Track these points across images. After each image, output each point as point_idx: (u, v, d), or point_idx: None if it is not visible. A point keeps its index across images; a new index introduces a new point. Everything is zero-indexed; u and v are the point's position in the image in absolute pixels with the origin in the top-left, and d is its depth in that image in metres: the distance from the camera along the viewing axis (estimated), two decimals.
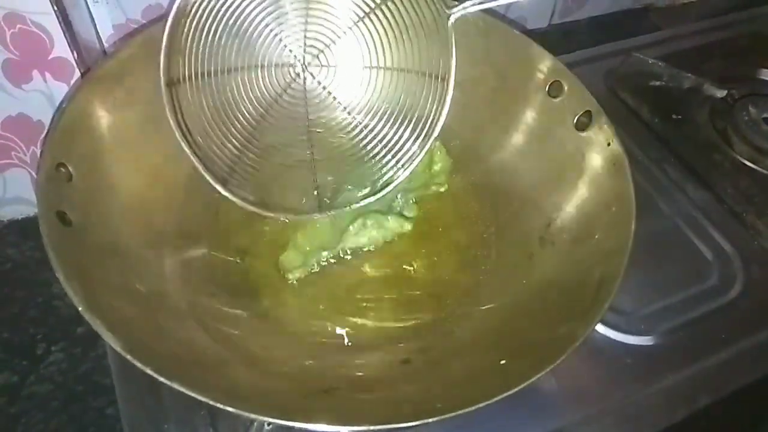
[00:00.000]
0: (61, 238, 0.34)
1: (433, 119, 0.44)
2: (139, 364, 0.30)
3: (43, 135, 0.50)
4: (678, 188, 0.56)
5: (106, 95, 0.41)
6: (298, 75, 0.47)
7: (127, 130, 0.43)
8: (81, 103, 0.40)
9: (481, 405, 0.32)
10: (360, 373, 0.40)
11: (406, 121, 0.45)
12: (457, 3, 0.43)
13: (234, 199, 0.42)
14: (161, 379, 0.30)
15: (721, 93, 0.61)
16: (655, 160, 0.58)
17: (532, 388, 0.33)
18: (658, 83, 0.63)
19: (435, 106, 0.44)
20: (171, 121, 0.40)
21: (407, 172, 0.44)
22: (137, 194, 0.43)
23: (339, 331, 0.42)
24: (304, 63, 0.47)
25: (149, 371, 0.30)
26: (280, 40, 0.45)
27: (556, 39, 0.73)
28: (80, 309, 0.31)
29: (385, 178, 0.45)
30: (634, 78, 0.63)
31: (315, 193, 0.45)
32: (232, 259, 0.44)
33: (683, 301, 0.48)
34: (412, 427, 0.32)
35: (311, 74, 0.47)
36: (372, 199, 0.44)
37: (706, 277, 0.50)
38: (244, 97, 0.44)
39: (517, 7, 0.69)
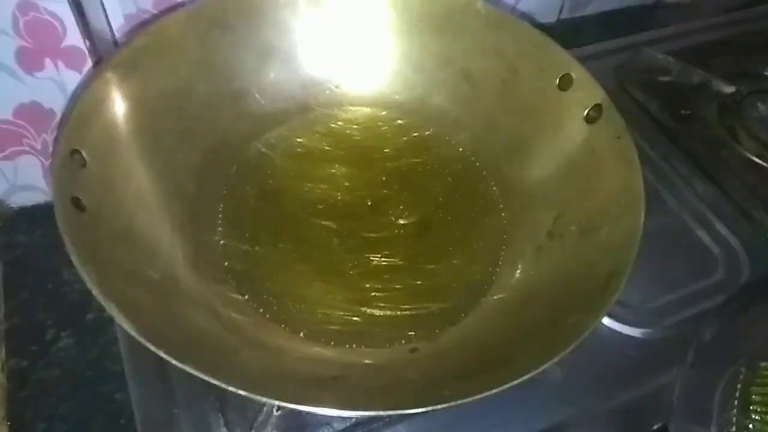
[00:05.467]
0: (76, 224, 0.35)
1: None
2: (152, 347, 0.30)
3: (54, 123, 0.50)
4: (686, 183, 0.56)
5: (120, 83, 0.42)
6: None
7: (141, 117, 0.43)
8: (96, 91, 0.40)
9: (488, 393, 0.32)
10: (368, 361, 0.40)
11: None
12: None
13: None
14: (173, 361, 0.30)
15: (729, 89, 0.61)
16: (663, 155, 0.58)
17: (538, 379, 0.33)
18: (667, 79, 0.63)
19: None
20: None
21: None
22: (150, 181, 0.43)
23: (348, 319, 0.42)
24: None
25: (162, 354, 0.30)
26: None
27: (564, 34, 0.72)
28: (95, 293, 0.32)
29: None
30: (643, 73, 0.63)
31: None
32: (244, 246, 0.45)
33: (689, 295, 0.48)
34: (419, 414, 0.32)
35: None
36: None
37: (712, 272, 0.50)
38: None
39: (527, 3, 0.69)
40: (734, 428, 0.38)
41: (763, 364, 0.40)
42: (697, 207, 0.54)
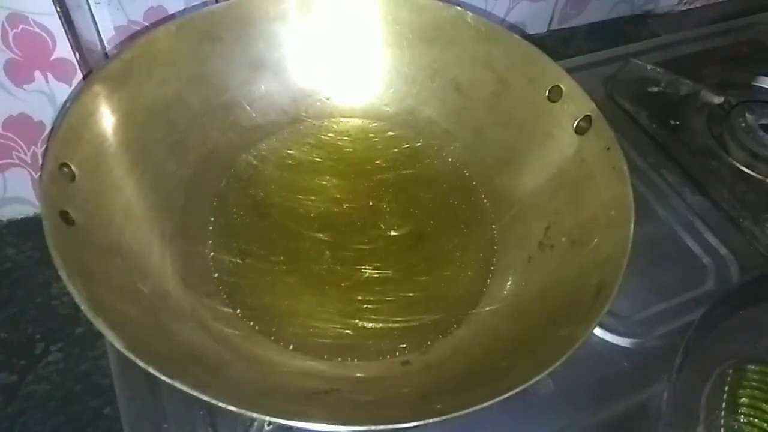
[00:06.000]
0: (64, 238, 0.34)
1: None
2: (141, 363, 0.30)
3: (43, 135, 0.50)
4: (675, 193, 0.56)
5: (110, 96, 0.41)
6: None
7: (130, 129, 0.43)
8: (85, 103, 0.40)
9: (480, 407, 0.32)
10: (360, 374, 0.40)
11: None
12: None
13: None
14: (163, 377, 0.30)
15: (718, 99, 0.61)
16: (652, 165, 0.58)
17: (530, 391, 0.33)
18: (656, 89, 0.63)
19: None
20: None
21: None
22: (140, 194, 0.42)
23: (339, 332, 0.42)
24: None
25: (151, 370, 0.30)
26: None
27: (554, 45, 0.73)
28: (83, 308, 0.31)
29: None
30: (632, 84, 0.64)
31: None
32: (233, 259, 0.45)
33: (680, 306, 0.48)
34: (411, 427, 0.32)
35: None
36: None
37: (702, 282, 0.50)
38: None
39: (516, 14, 0.69)
40: (722, 431, 0.39)
41: (749, 366, 0.40)
42: (686, 216, 0.54)
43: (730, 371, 0.40)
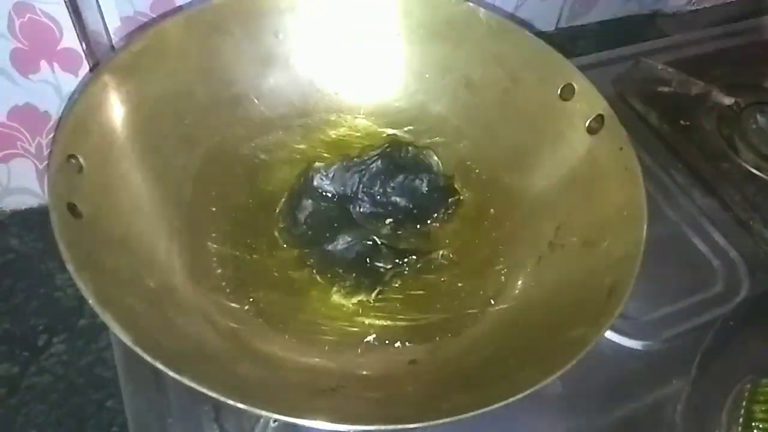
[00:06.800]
0: (72, 230, 0.34)
1: None
2: (148, 358, 0.30)
3: (49, 126, 0.49)
4: (685, 194, 0.56)
5: (118, 87, 0.41)
6: None
7: (138, 122, 0.42)
8: (93, 95, 0.40)
9: (488, 408, 0.32)
10: (367, 372, 0.40)
11: None
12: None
13: None
14: (171, 373, 0.30)
15: (728, 100, 0.61)
16: (662, 165, 0.58)
17: (538, 392, 0.33)
18: (666, 89, 0.63)
19: None
20: None
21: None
22: (148, 187, 0.42)
23: (346, 329, 0.42)
24: None
25: (159, 365, 0.30)
26: None
27: (562, 43, 0.73)
28: (90, 302, 0.31)
29: None
30: (642, 83, 0.63)
31: None
32: (240, 254, 0.44)
33: (688, 308, 0.48)
34: (418, 427, 0.32)
35: None
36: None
37: (711, 284, 0.50)
38: None
39: (525, 11, 0.69)
40: None
41: (764, 380, 0.40)
42: (696, 218, 0.54)
43: (748, 385, 0.40)
